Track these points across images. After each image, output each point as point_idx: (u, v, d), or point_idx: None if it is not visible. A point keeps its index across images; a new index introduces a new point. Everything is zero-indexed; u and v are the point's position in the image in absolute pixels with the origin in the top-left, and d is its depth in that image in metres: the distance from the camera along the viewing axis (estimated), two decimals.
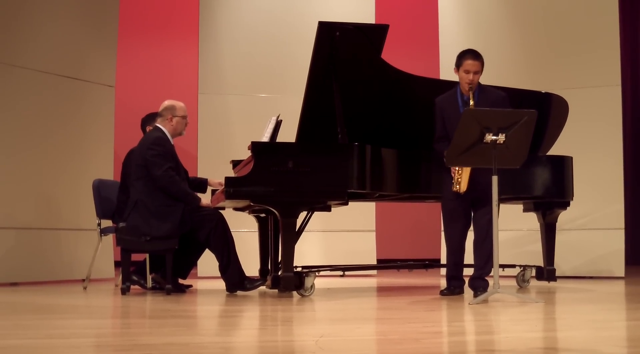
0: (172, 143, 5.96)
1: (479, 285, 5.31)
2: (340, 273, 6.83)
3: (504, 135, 4.91)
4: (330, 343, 3.26)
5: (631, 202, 9.63)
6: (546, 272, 6.34)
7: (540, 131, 6.11)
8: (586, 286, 6.57)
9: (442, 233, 7.14)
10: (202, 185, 6.33)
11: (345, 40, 5.66)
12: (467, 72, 5.33)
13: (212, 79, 8.33)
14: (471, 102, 5.27)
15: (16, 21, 6.99)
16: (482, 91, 5.39)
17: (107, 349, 3.19)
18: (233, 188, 5.37)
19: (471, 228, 5.50)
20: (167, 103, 6.03)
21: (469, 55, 5.36)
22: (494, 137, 4.91)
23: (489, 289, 5.16)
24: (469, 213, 5.47)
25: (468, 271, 5.56)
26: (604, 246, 7.57)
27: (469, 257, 5.54)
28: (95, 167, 7.43)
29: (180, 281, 6.09)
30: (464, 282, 5.55)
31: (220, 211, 5.93)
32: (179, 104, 6.03)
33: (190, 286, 6.24)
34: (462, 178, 5.28)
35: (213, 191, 6.33)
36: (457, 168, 5.27)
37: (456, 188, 5.30)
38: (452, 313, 4.63)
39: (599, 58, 7.69)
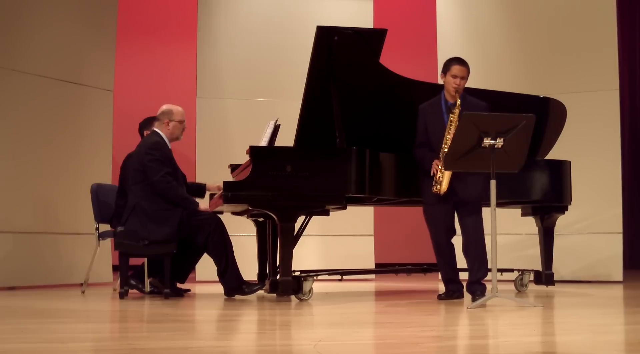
0: (170, 147, 5.96)
1: (477, 289, 5.32)
2: (339, 277, 6.83)
3: (502, 139, 4.91)
4: (329, 347, 3.26)
5: (629, 206, 9.64)
6: (544, 276, 6.33)
7: (538, 135, 6.12)
8: (584, 291, 6.57)
9: None
10: (200, 189, 6.32)
11: (344, 44, 5.66)
12: (455, 76, 5.39)
13: (210, 83, 8.34)
14: (457, 104, 5.29)
15: (14, 25, 6.99)
16: (464, 100, 5.40)
17: None
18: (231, 193, 5.37)
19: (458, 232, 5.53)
20: (164, 107, 6.02)
21: (456, 61, 5.45)
22: (492, 142, 4.91)
23: (487, 293, 5.15)
24: (452, 216, 5.50)
25: (463, 275, 5.58)
26: (602, 251, 7.57)
27: (460, 261, 5.58)
28: (93, 171, 7.43)
29: (179, 285, 6.09)
30: (462, 286, 5.55)
31: (219, 215, 5.92)
32: (177, 108, 6.02)
33: (189, 290, 6.24)
34: (443, 178, 5.30)
35: (211, 196, 6.33)
36: (439, 167, 5.28)
37: (436, 188, 5.31)
38: (451, 317, 4.63)
39: (597, 62, 7.70)
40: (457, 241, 5.53)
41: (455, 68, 5.39)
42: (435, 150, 5.35)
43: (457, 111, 5.29)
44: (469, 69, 5.43)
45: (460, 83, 5.38)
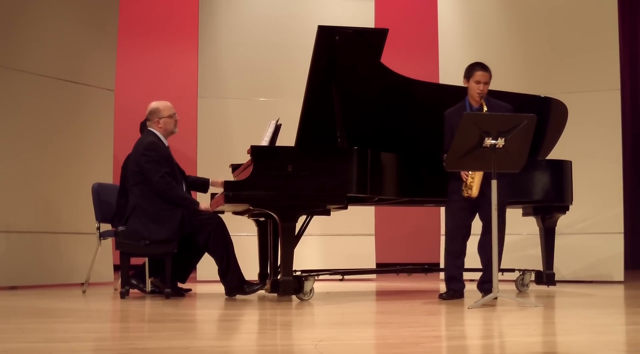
0: (167, 144, 5.95)
1: (489, 287, 5.30)
2: (340, 277, 6.83)
3: (503, 139, 4.92)
4: (330, 347, 3.26)
5: (630, 206, 9.63)
6: (545, 276, 6.34)
7: (539, 135, 6.12)
8: (585, 291, 6.57)
9: (442, 237, 7.16)
10: (204, 185, 6.30)
11: (345, 44, 5.66)
12: (478, 82, 5.48)
13: (211, 83, 8.34)
14: (484, 109, 5.34)
15: (16, 25, 6.99)
16: (488, 103, 5.48)
17: (106, 353, 3.19)
18: (232, 192, 5.37)
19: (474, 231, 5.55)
20: (152, 106, 6.01)
21: (479, 67, 5.52)
22: (494, 141, 4.91)
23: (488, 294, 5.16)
24: (471, 217, 5.52)
25: (466, 276, 5.60)
26: (603, 251, 7.56)
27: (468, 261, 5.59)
28: (94, 171, 7.43)
29: (180, 285, 6.09)
30: (464, 285, 5.56)
31: (220, 215, 5.92)
32: (163, 104, 6.00)
33: (190, 290, 6.24)
34: (474, 182, 5.32)
35: (212, 195, 6.33)
36: (469, 172, 5.30)
37: (467, 192, 5.33)
38: (452, 317, 4.63)
39: (598, 62, 7.70)
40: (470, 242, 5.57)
41: (479, 75, 5.49)
42: None
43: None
44: (491, 74, 5.53)
45: (483, 89, 5.47)
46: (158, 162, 5.77)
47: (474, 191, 5.33)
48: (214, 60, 8.37)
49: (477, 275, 5.68)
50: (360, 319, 4.60)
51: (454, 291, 5.51)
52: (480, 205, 5.43)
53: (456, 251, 5.53)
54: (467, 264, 5.64)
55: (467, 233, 5.55)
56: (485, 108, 5.36)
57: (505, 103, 5.58)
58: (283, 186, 5.36)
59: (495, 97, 5.69)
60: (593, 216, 7.62)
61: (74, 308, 5.30)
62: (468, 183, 5.34)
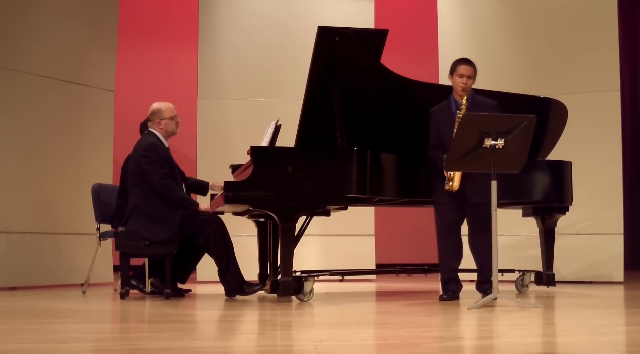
0: (167, 145, 5.95)
1: (487, 288, 5.31)
2: (339, 277, 6.84)
3: (503, 140, 4.92)
4: (330, 348, 3.26)
5: (630, 207, 9.63)
6: (545, 277, 6.34)
7: (539, 136, 6.12)
8: (585, 291, 6.57)
9: None
10: (203, 188, 6.31)
11: (345, 45, 5.66)
12: (461, 76, 5.45)
13: (211, 84, 8.34)
14: (464, 103, 5.32)
15: (16, 26, 6.99)
16: (474, 101, 5.47)
17: None
18: (232, 193, 5.37)
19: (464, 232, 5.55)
20: (153, 107, 6.01)
21: (461, 61, 5.52)
22: (493, 142, 4.91)
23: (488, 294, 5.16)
24: (461, 217, 5.53)
25: (463, 276, 5.60)
26: (603, 251, 7.56)
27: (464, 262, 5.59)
28: (94, 172, 7.43)
29: (179, 285, 6.09)
30: (461, 286, 5.56)
31: (220, 215, 5.92)
32: (165, 105, 6.00)
33: (189, 290, 6.24)
34: (454, 175, 5.31)
35: (212, 196, 6.33)
36: None
37: (449, 186, 5.32)
38: (451, 317, 4.63)
39: (598, 63, 7.70)
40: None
41: (461, 68, 5.46)
42: (447, 151, 5.35)
43: (463, 109, 5.32)
44: (475, 68, 5.49)
45: (467, 83, 5.44)
46: (158, 163, 5.78)
47: (455, 184, 5.32)
48: (214, 60, 8.37)
49: (476, 276, 5.67)
50: (360, 319, 4.60)
51: (453, 292, 5.51)
52: (465, 206, 5.44)
53: (450, 252, 5.53)
54: (464, 264, 5.64)
55: (457, 232, 5.54)
56: (464, 102, 5.33)
57: (491, 100, 5.56)
58: (283, 186, 5.36)
59: (495, 97, 5.68)
60: (593, 216, 7.62)
61: (73, 309, 5.30)
62: (449, 176, 5.33)
